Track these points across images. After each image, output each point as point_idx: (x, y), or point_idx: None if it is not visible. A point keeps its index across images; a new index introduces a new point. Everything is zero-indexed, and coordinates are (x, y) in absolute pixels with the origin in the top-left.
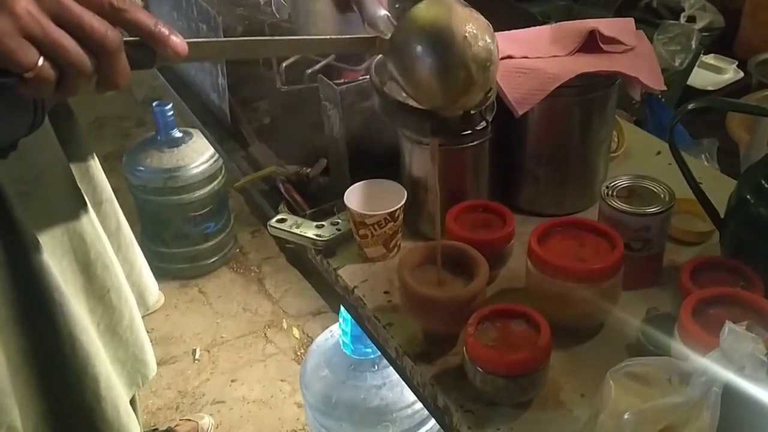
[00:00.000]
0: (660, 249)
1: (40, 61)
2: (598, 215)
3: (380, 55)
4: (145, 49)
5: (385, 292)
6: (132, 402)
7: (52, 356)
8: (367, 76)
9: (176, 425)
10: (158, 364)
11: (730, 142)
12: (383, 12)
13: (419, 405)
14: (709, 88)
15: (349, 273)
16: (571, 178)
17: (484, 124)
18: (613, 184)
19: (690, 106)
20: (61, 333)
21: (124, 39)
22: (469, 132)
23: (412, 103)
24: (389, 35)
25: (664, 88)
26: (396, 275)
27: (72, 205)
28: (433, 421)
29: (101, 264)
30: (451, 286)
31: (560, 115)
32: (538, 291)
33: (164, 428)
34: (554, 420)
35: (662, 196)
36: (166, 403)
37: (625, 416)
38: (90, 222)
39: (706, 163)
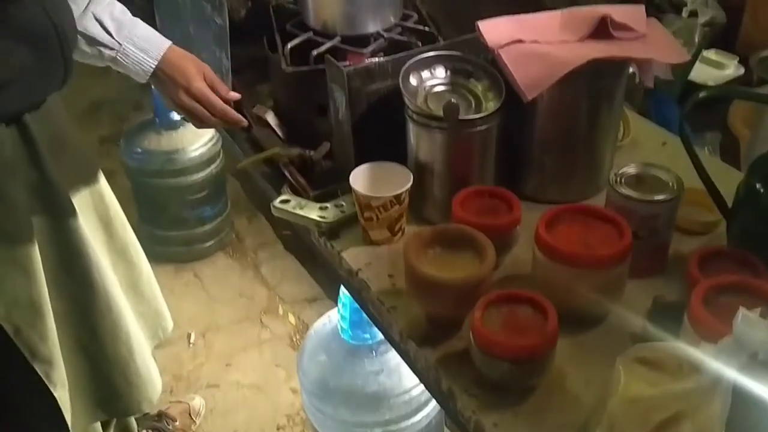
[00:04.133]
0: (667, 238)
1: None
2: (605, 202)
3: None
4: None
5: (389, 276)
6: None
7: (91, 311)
8: (374, 59)
9: (167, 408)
10: (154, 348)
11: (731, 137)
12: None
13: (416, 391)
14: (710, 83)
15: (352, 256)
16: (577, 166)
17: (492, 109)
18: (621, 171)
19: (702, 94)
20: (97, 288)
21: None
22: (478, 117)
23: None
24: None
25: (688, 57)
26: (400, 259)
27: (90, 166)
28: (430, 407)
29: (120, 222)
30: (458, 269)
31: (569, 103)
32: (545, 277)
33: (155, 412)
34: (559, 406)
35: (671, 184)
36: (161, 386)
37: (636, 402)
38: (105, 182)
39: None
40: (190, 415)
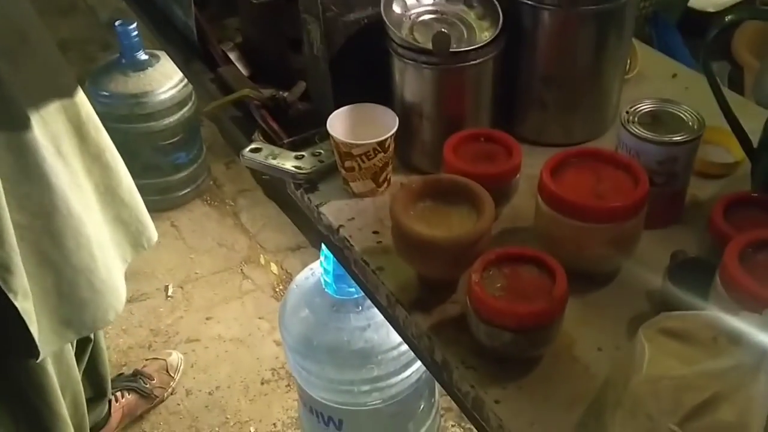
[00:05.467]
0: (684, 183)
1: None
2: (616, 144)
3: None
4: None
5: (375, 232)
6: (96, 342)
7: (53, 217)
8: None
9: (143, 366)
10: (128, 301)
11: (735, 67)
12: None
13: (406, 346)
14: (710, 9)
15: (333, 210)
16: (582, 102)
17: (487, 39)
18: (634, 108)
19: (728, 18)
20: (56, 192)
21: None
22: (472, 49)
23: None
24: None
25: None
26: (386, 213)
27: (59, 65)
28: (419, 363)
29: (93, 125)
30: (452, 226)
31: (574, 31)
32: (549, 232)
33: (131, 372)
34: (568, 377)
35: (690, 123)
36: (138, 342)
37: (665, 382)
38: (75, 83)
39: None
40: (167, 371)
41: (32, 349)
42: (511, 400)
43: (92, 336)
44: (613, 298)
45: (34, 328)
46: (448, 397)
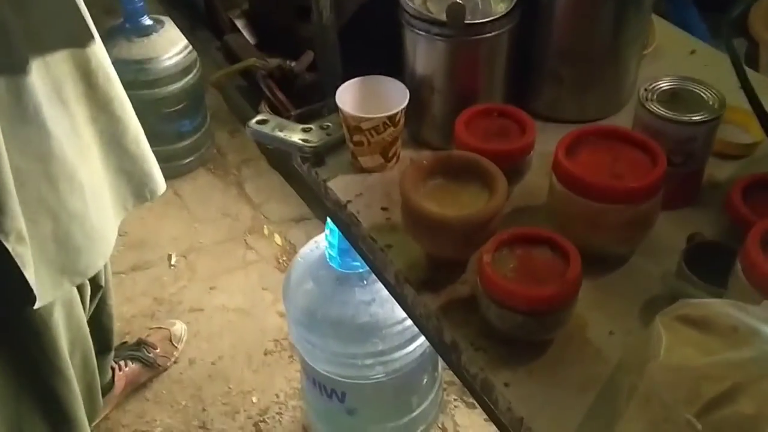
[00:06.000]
0: (702, 164)
1: None
2: (633, 122)
3: None
4: None
5: (383, 209)
6: (103, 306)
7: (50, 161)
8: None
9: (147, 335)
10: (132, 270)
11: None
12: None
13: (410, 321)
14: None
15: (340, 185)
16: (598, 78)
17: (503, 11)
18: (652, 86)
19: None
20: (53, 137)
21: None
22: (487, 21)
23: None
24: None
25: None
26: (395, 189)
27: (72, 13)
28: (423, 338)
29: (103, 74)
30: (463, 204)
31: (592, 3)
32: (563, 211)
33: (134, 341)
34: (579, 361)
35: (711, 102)
36: (141, 311)
37: (682, 371)
38: (88, 31)
39: None
40: (170, 341)
41: (30, 297)
42: (521, 383)
43: (102, 283)
44: (626, 281)
45: (29, 273)
46: (451, 371)
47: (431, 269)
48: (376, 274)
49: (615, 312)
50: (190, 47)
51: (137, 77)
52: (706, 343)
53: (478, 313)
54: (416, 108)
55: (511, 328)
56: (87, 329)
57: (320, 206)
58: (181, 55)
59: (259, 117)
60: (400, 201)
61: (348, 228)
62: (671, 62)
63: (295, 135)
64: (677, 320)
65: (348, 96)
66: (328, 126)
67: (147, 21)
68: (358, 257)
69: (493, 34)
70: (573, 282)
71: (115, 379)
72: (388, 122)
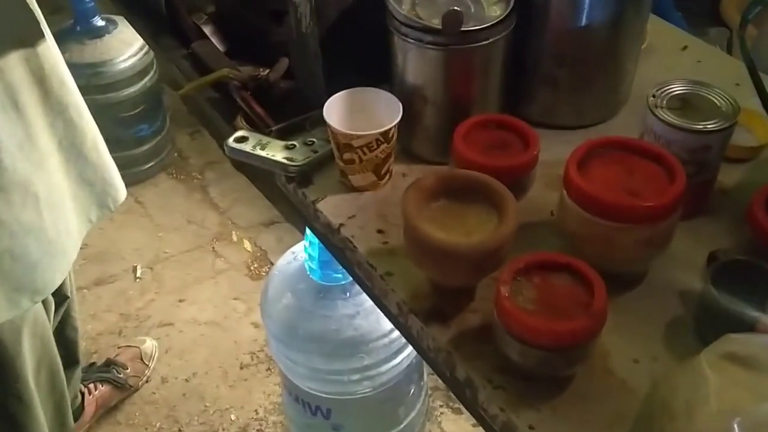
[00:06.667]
0: (715, 172)
1: None
2: (642, 131)
3: None
4: None
5: (379, 231)
6: (67, 318)
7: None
8: None
9: (116, 355)
10: (95, 284)
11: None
12: None
13: (396, 333)
14: None
15: (331, 207)
16: (596, 81)
17: (500, 16)
18: (662, 91)
19: None
20: (4, 148)
21: None
22: (483, 27)
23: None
24: None
25: None
26: (390, 208)
27: (23, 15)
28: (410, 348)
29: (57, 79)
30: (471, 228)
31: (589, 3)
32: (576, 230)
33: (103, 361)
34: (604, 394)
35: (723, 108)
36: (107, 328)
37: (736, 420)
38: (42, 35)
39: None
40: (141, 359)
41: None
42: (546, 424)
43: (69, 293)
44: (645, 301)
45: None
46: (435, 377)
47: (437, 297)
48: (376, 303)
49: (636, 336)
50: (147, 48)
51: (90, 81)
52: (757, 383)
53: (491, 343)
54: (407, 120)
55: (535, 365)
56: (54, 345)
57: (290, 208)
58: (137, 57)
59: (237, 134)
60: (399, 224)
61: (342, 252)
62: (664, 59)
63: (278, 153)
64: (724, 359)
65: (335, 110)
66: (312, 142)
67: (99, 22)
68: (340, 269)
69: (489, 41)
70: (599, 313)
71: (85, 403)
72: (381, 139)
